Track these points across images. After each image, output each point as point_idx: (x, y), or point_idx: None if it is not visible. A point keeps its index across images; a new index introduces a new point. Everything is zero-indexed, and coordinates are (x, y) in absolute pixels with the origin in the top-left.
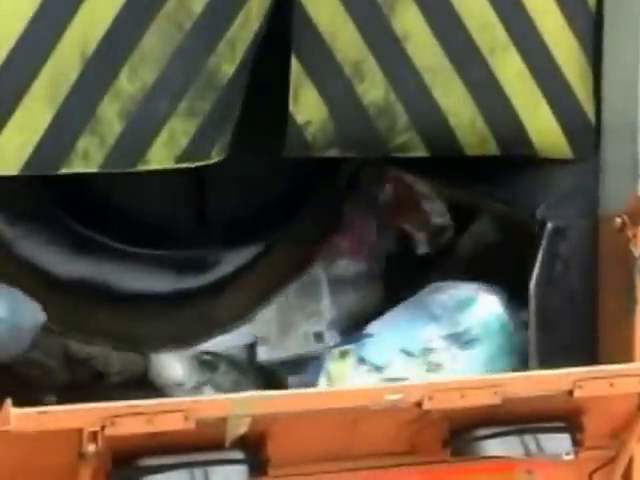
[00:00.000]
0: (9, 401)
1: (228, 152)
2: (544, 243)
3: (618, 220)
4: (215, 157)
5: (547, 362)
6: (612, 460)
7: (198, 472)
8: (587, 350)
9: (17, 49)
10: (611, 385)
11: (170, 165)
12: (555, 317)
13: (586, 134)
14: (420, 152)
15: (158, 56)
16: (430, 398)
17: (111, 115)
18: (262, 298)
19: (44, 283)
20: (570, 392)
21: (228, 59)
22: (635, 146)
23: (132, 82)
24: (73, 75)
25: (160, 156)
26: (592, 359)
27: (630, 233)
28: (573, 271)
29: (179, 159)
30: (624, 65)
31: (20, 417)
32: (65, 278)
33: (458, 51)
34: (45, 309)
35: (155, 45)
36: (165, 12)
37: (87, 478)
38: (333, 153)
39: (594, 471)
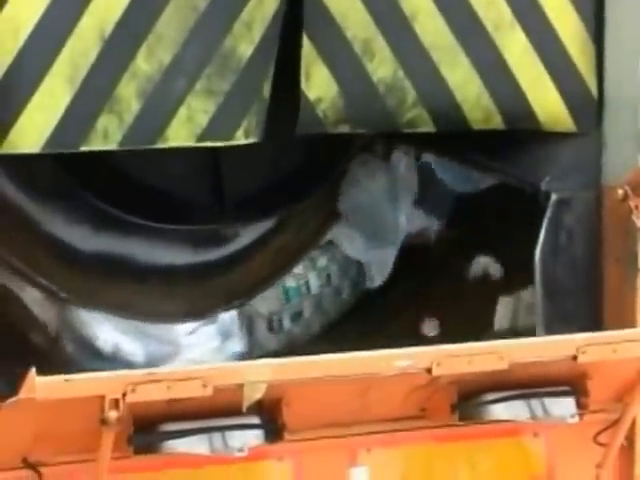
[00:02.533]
0: (33, 370)
1: (260, 137)
2: (549, 213)
3: (620, 191)
4: (241, 139)
5: (552, 329)
6: (615, 423)
7: (216, 437)
8: (591, 317)
9: (38, 31)
10: (614, 350)
11: (191, 143)
12: (560, 285)
13: (589, 108)
14: (428, 127)
15: (174, 37)
16: (439, 364)
17: (129, 94)
18: (275, 270)
19: (67, 258)
20: (574, 357)
21: (245, 40)
22: (637, 119)
23: (149, 62)
24: (92, 56)
25: (179, 134)
26: (596, 325)
27: (632, 204)
28: (577, 240)
29: (199, 138)
30: (625, 40)
31: (44, 385)
32: (87, 253)
33: (464, 29)
34: (68, 283)
35: (171, 26)
36: None
37: (109, 443)
38: (344, 129)
39: (598, 433)
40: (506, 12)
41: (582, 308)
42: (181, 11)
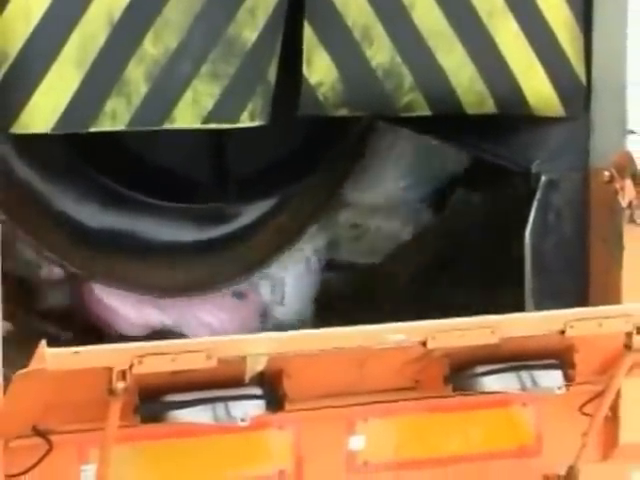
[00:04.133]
0: (44, 342)
1: (265, 120)
2: (539, 194)
3: (606, 173)
4: (247, 121)
5: (541, 305)
6: (600, 394)
7: (219, 407)
8: (578, 293)
9: (48, 15)
10: (600, 325)
11: (196, 125)
12: (548, 263)
13: (577, 93)
14: (424, 111)
15: (180, 22)
16: (433, 338)
17: (137, 77)
18: (277, 248)
19: (76, 235)
20: (562, 332)
21: (249, 25)
22: (623, 104)
23: (156, 46)
24: (101, 40)
25: (185, 116)
26: (583, 302)
27: (617, 185)
28: (565, 220)
29: (205, 120)
30: (613, 28)
31: (54, 356)
32: (94, 229)
33: (459, 17)
34: (76, 258)
35: (177, 11)
36: None
37: (116, 413)
38: (343, 112)
39: (584, 404)
40: (499, 1)
41: (569, 285)
42: None
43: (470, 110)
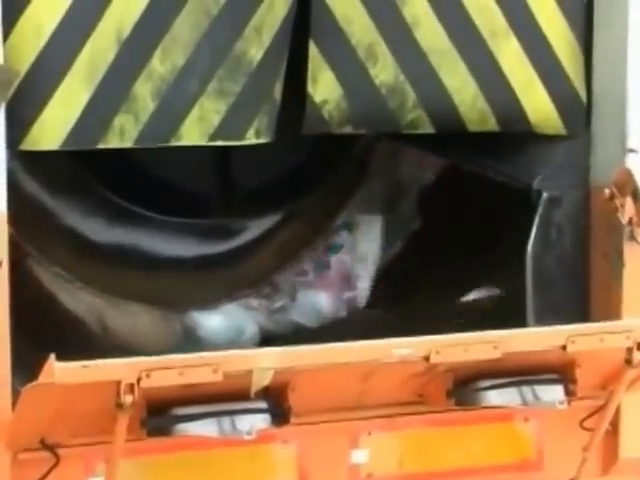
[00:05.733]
0: (53, 356)
1: (271, 137)
2: (540, 211)
3: (607, 191)
4: (252, 138)
5: (543, 320)
6: (601, 409)
7: (225, 420)
8: (579, 309)
9: (58, 32)
10: (601, 340)
11: (203, 142)
12: (550, 279)
13: (578, 111)
14: (427, 129)
15: (187, 40)
16: (437, 353)
17: (145, 94)
18: (279, 263)
19: (83, 249)
20: (563, 347)
21: (255, 44)
22: (623, 122)
23: (164, 64)
24: (110, 57)
25: (192, 133)
26: (584, 317)
27: (618, 202)
28: (566, 236)
29: (211, 137)
30: (612, 47)
31: (63, 370)
32: (101, 244)
33: (461, 36)
34: (82, 273)
35: (185, 30)
36: None
37: (124, 426)
38: (348, 130)
39: (585, 419)
40: (501, 21)
41: (571, 300)
42: (195, 15)
43: (472, 128)
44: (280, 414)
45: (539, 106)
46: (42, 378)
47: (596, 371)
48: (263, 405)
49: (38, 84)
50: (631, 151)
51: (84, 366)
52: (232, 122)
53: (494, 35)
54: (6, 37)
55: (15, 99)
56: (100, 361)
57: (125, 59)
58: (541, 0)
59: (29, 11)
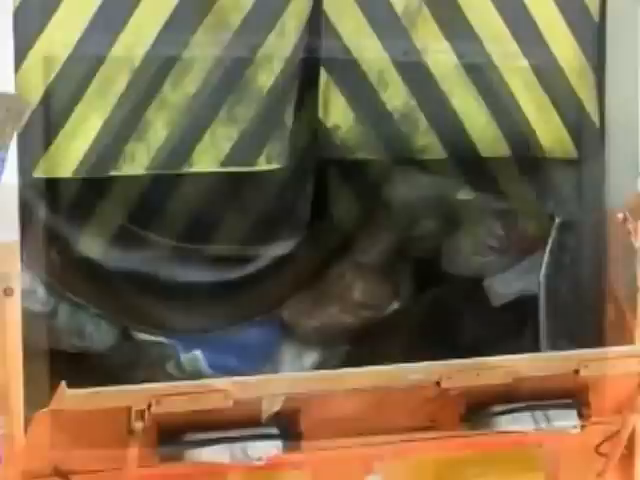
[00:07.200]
0: (64, 383)
1: (283, 163)
2: (553, 235)
3: (620, 215)
4: (264, 164)
5: (556, 344)
6: (616, 434)
7: (236, 446)
8: (593, 334)
9: (71, 60)
10: (614, 365)
11: (215, 168)
12: (563, 303)
13: (591, 136)
14: (439, 154)
15: (199, 68)
16: (448, 378)
17: (156, 122)
18: (294, 289)
19: (99, 276)
20: (577, 371)
21: (266, 70)
22: (636, 145)
23: (175, 91)
24: (121, 86)
25: (204, 159)
26: (598, 342)
27: (631, 226)
28: (580, 261)
29: (223, 163)
30: (625, 70)
31: (74, 397)
32: (116, 271)
33: (472, 61)
34: (101, 299)
35: (196, 57)
36: (205, 26)
37: (135, 452)
38: (361, 155)
39: (600, 444)
40: (512, 45)
41: (585, 325)
42: (205, 43)
43: (485, 153)
44: (291, 440)
45: (551, 131)
46: (53, 404)
47: (609, 395)
48: (274, 431)
49: (51, 113)
50: None
51: (95, 392)
52: (243, 148)
53: (505, 59)
54: (18, 67)
55: (28, 128)
56: (111, 387)
57: (136, 88)
58: (552, 24)
59: (40, 41)
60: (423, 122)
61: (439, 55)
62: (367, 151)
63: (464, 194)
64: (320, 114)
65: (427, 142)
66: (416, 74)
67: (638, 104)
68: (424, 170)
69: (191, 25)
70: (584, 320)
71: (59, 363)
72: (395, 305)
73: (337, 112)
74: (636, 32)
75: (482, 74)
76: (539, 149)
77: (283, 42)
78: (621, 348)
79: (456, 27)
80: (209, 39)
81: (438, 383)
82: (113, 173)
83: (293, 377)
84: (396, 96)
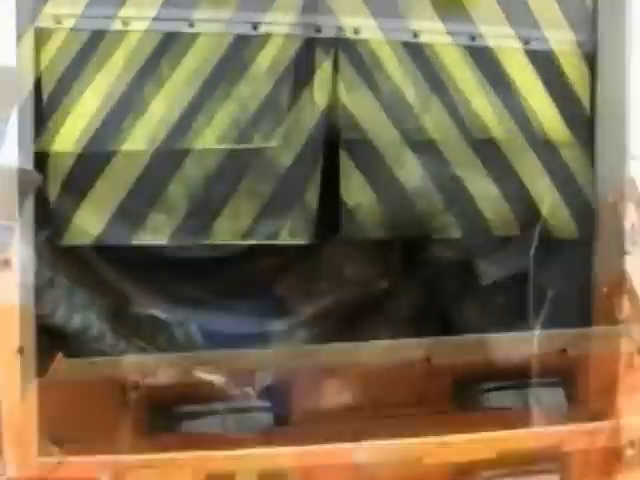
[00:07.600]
0: (61, 353)
1: (306, 239)
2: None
3: (610, 199)
4: (287, 238)
5: (544, 325)
6: (602, 412)
7: (228, 418)
8: (583, 316)
9: (94, 136)
10: (601, 345)
11: (236, 240)
12: (552, 287)
13: (588, 218)
14: (455, 233)
15: (218, 146)
16: (437, 354)
17: (177, 196)
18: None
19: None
20: (564, 351)
21: (284, 151)
22: (625, 131)
23: (197, 168)
24: (143, 162)
25: (225, 232)
26: (587, 324)
27: (620, 209)
28: (570, 245)
29: (244, 236)
30: (615, 56)
31: (71, 366)
32: (163, 327)
33: (482, 146)
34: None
35: (215, 138)
36: (224, 109)
37: (129, 422)
38: (381, 235)
39: (586, 421)
40: (519, 139)
41: (573, 306)
42: (224, 125)
43: (497, 232)
44: (281, 414)
45: (555, 213)
46: (51, 374)
47: (597, 375)
48: (266, 404)
49: (76, 185)
50: (633, 158)
51: (90, 363)
52: (265, 222)
53: (512, 145)
54: (19, 41)
55: (54, 199)
56: (106, 358)
57: (158, 164)
58: (548, 114)
59: (66, 123)
60: (439, 202)
61: (451, 141)
62: (388, 231)
63: None
64: (342, 194)
65: (444, 221)
66: (430, 157)
67: (627, 90)
68: None
69: (210, 109)
70: (572, 301)
71: (52, 338)
72: (384, 283)
73: (357, 192)
74: (626, 18)
75: (492, 158)
76: (546, 230)
77: (299, 124)
78: (608, 328)
79: (464, 116)
80: (229, 120)
81: (427, 359)
82: (135, 242)
83: (284, 352)
84: (412, 177)
